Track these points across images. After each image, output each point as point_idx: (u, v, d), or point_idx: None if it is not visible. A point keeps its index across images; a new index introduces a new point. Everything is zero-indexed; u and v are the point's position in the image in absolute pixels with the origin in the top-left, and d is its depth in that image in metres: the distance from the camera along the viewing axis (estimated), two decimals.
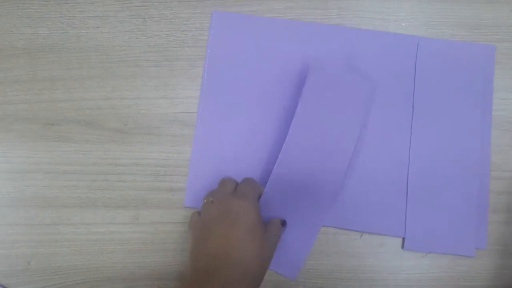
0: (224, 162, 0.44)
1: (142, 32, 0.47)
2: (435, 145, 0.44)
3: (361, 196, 0.44)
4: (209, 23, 0.46)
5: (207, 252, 0.36)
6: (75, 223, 0.44)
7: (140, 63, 0.46)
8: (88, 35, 0.47)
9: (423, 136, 0.44)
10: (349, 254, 0.44)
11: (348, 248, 0.44)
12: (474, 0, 0.47)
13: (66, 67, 0.46)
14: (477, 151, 0.44)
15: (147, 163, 0.44)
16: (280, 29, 0.46)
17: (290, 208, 0.42)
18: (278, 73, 0.45)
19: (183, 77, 0.46)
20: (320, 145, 0.42)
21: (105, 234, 0.44)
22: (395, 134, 0.45)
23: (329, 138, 0.42)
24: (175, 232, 0.43)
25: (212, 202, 0.39)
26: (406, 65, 0.46)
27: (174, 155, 0.45)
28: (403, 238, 0.43)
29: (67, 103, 0.45)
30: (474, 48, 0.46)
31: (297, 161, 0.42)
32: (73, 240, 0.43)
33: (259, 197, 0.42)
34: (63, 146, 0.45)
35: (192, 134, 0.45)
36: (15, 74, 0.46)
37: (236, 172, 0.44)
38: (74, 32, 0.47)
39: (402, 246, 0.43)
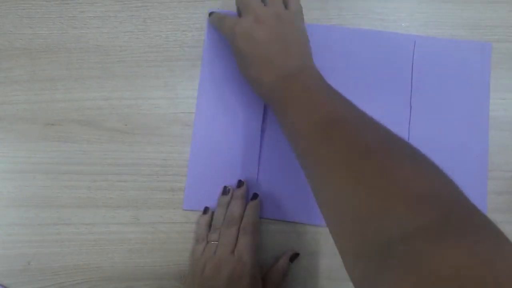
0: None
1: (142, 32, 0.47)
2: (433, 144, 0.44)
3: None
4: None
5: None
6: (75, 223, 0.44)
7: (140, 63, 0.46)
8: (88, 35, 0.47)
9: (421, 135, 0.44)
10: None
11: None
12: (474, 0, 0.47)
13: (66, 67, 0.46)
14: (475, 149, 0.44)
15: (147, 163, 0.44)
16: None
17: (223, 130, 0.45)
18: None
19: (183, 77, 0.46)
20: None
21: (105, 234, 0.44)
22: None
23: None
24: (175, 232, 0.43)
25: (215, 252, 0.40)
26: (403, 64, 0.46)
27: (174, 155, 0.45)
28: None
29: (67, 103, 0.45)
30: (470, 46, 0.46)
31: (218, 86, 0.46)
32: (73, 240, 0.43)
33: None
34: (63, 146, 0.45)
35: (192, 134, 0.45)
36: (15, 74, 0.46)
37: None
38: (74, 32, 0.47)
39: None
